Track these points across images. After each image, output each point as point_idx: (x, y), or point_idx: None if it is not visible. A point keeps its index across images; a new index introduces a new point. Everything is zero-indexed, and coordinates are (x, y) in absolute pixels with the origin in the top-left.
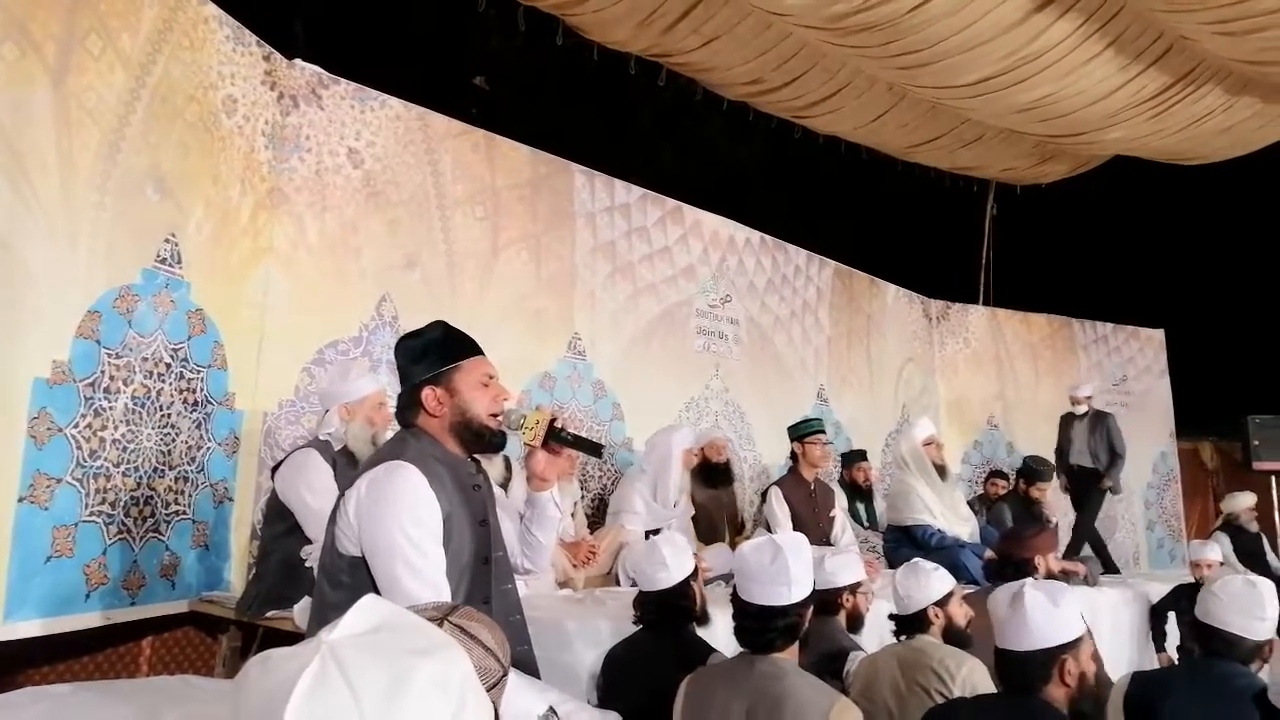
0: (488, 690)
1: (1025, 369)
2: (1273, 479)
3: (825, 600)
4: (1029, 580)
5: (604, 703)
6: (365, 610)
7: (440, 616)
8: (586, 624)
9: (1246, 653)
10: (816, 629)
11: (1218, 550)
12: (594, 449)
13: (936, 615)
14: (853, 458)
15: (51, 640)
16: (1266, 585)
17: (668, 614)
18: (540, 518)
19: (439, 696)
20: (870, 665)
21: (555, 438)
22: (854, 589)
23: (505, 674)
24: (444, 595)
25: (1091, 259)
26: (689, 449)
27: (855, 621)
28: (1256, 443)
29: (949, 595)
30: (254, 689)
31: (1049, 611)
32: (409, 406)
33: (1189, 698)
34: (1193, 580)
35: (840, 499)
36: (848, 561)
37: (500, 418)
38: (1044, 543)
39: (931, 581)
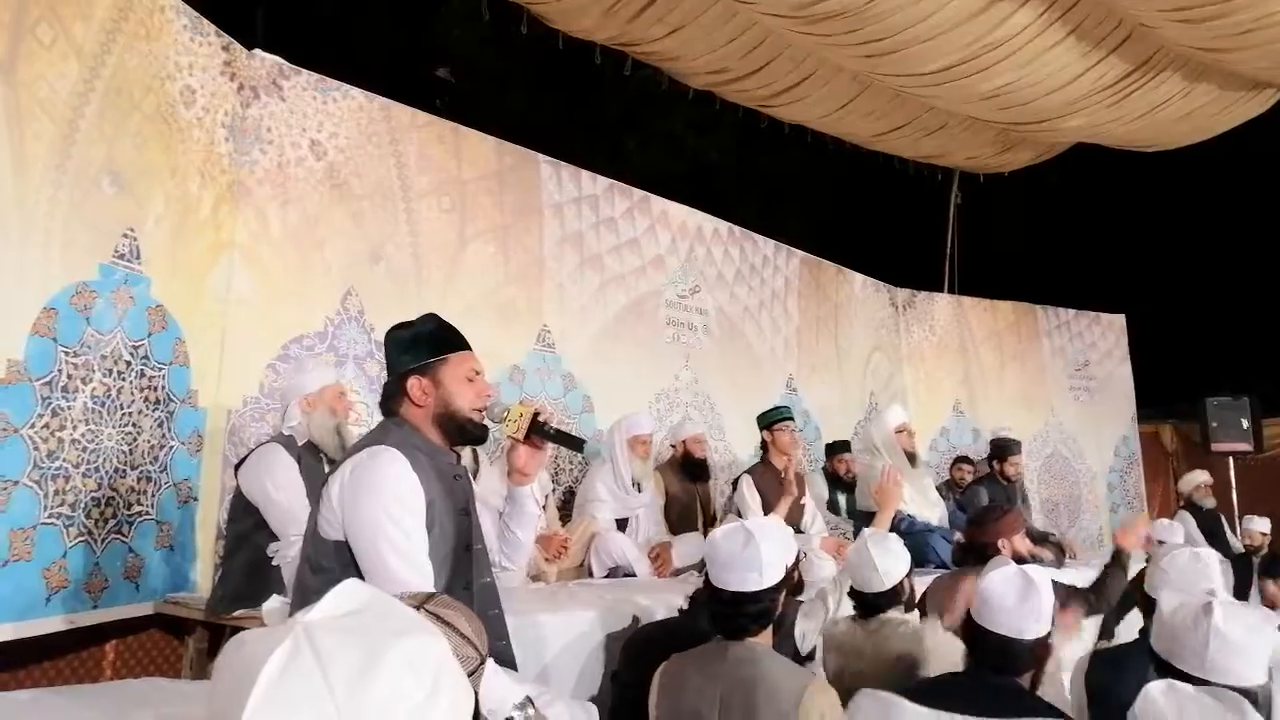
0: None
1: (990, 356)
2: (1230, 460)
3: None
4: (1027, 568)
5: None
6: (344, 593)
7: (416, 605)
8: (561, 617)
9: None
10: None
11: (1180, 531)
12: (576, 444)
13: (904, 586)
14: (836, 448)
15: (11, 646)
16: (1207, 554)
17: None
18: (520, 514)
19: (411, 678)
20: (838, 650)
21: (538, 431)
22: (798, 562)
23: (483, 662)
24: (428, 577)
25: (1054, 246)
26: (636, 435)
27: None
28: (1214, 424)
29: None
30: (227, 669)
31: (1048, 602)
32: (394, 395)
33: (1146, 674)
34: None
35: (818, 487)
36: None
37: (483, 412)
38: (1010, 525)
39: (902, 554)
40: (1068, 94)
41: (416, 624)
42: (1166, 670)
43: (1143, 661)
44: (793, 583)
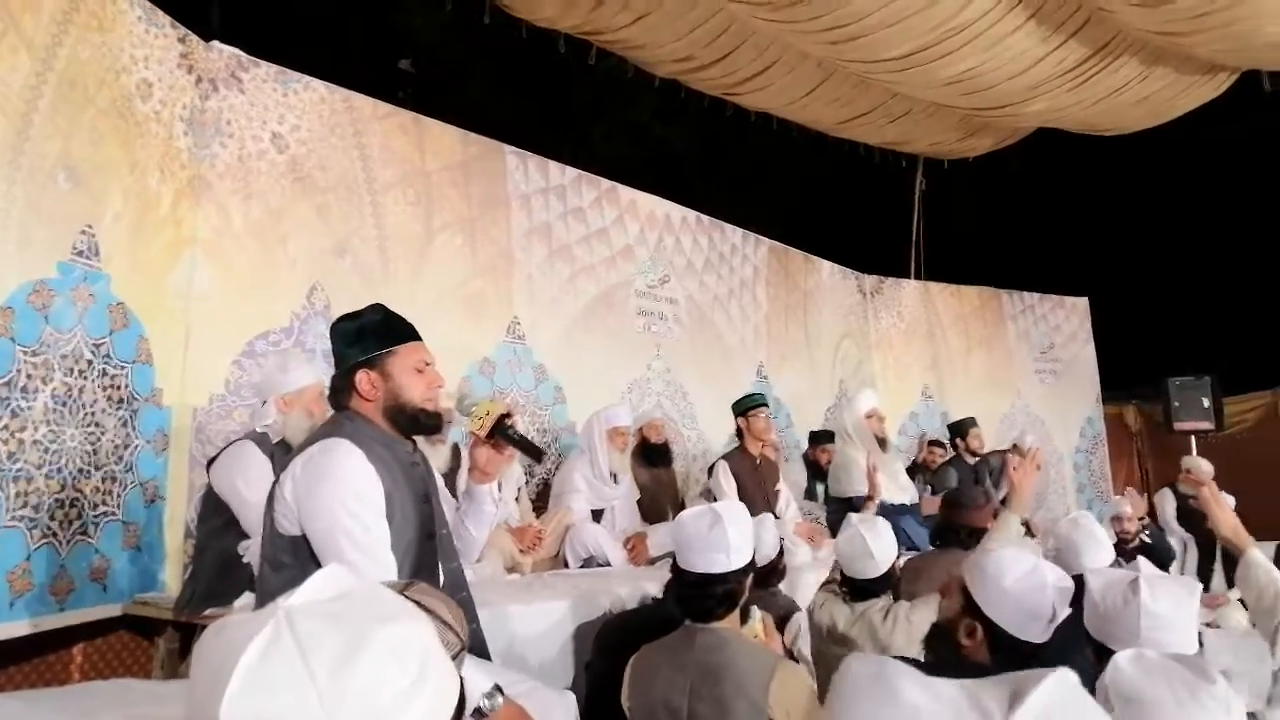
0: None
1: (957, 340)
2: (1192, 439)
3: (772, 569)
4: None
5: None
6: (327, 578)
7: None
8: (536, 607)
9: None
10: (771, 600)
11: (1128, 504)
12: (535, 453)
13: (895, 569)
14: (819, 438)
15: None
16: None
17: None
18: (476, 511)
19: (395, 665)
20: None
21: (501, 433)
22: (780, 553)
23: (464, 648)
24: (390, 570)
25: (1018, 231)
26: (615, 427)
27: (780, 578)
28: (1176, 404)
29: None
30: (206, 655)
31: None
32: (343, 390)
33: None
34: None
35: (798, 475)
36: (770, 526)
37: (435, 402)
38: (984, 514)
39: (890, 535)
40: (1029, 78)
41: (401, 610)
42: (1104, 653)
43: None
44: (777, 570)
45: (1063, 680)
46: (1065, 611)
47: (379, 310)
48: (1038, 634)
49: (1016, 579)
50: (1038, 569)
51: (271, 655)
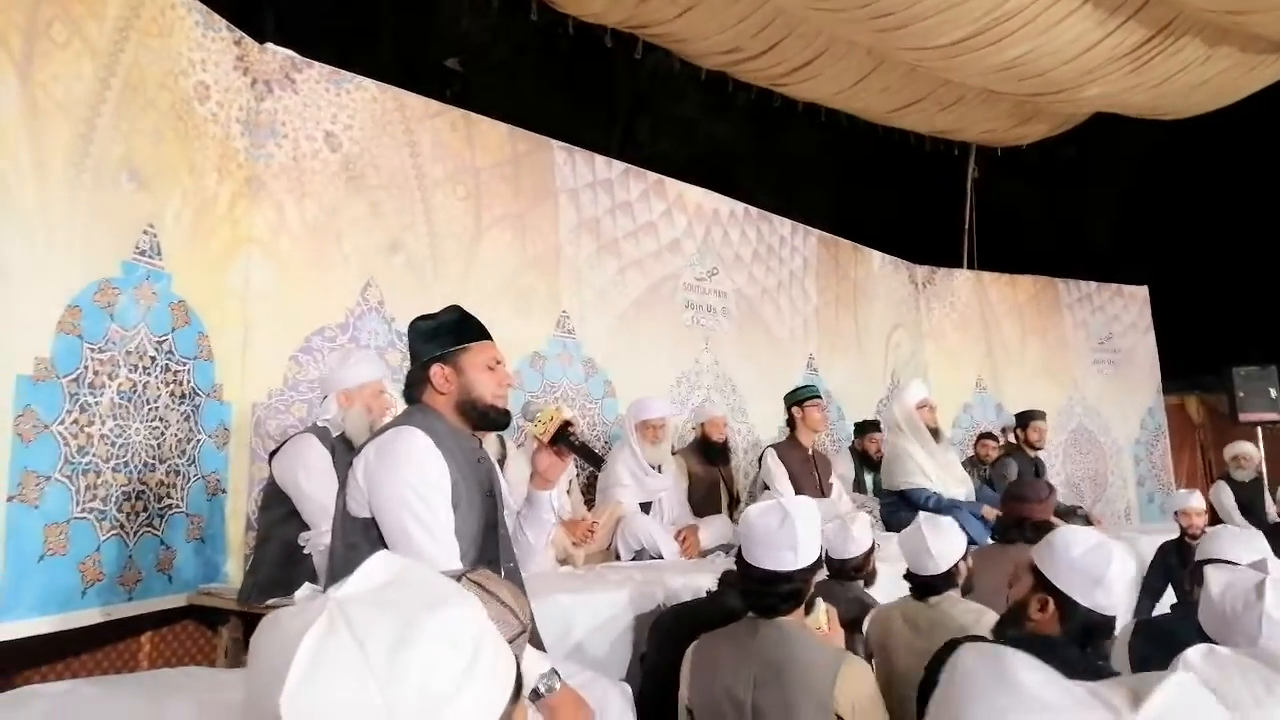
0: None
1: (1011, 330)
2: (1259, 430)
3: (853, 566)
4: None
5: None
6: (376, 566)
7: (457, 576)
8: (590, 599)
9: None
10: (840, 591)
11: (1199, 498)
12: (596, 461)
13: (960, 569)
14: (865, 427)
15: (49, 639)
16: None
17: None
18: (535, 518)
19: (448, 649)
20: (881, 626)
21: (563, 440)
22: (871, 550)
23: (524, 630)
24: (452, 552)
25: (1073, 218)
26: (644, 420)
27: (869, 580)
28: (1242, 394)
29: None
30: (263, 648)
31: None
32: (417, 383)
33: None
34: (1179, 531)
35: (843, 467)
36: (864, 527)
37: (505, 399)
38: (1047, 507)
39: (957, 536)
40: (1085, 62)
41: (451, 593)
42: None
43: (1186, 630)
44: (866, 571)
45: (1185, 680)
46: (1128, 584)
47: (455, 310)
48: (1105, 604)
49: (1085, 550)
50: (1105, 543)
51: (328, 646)
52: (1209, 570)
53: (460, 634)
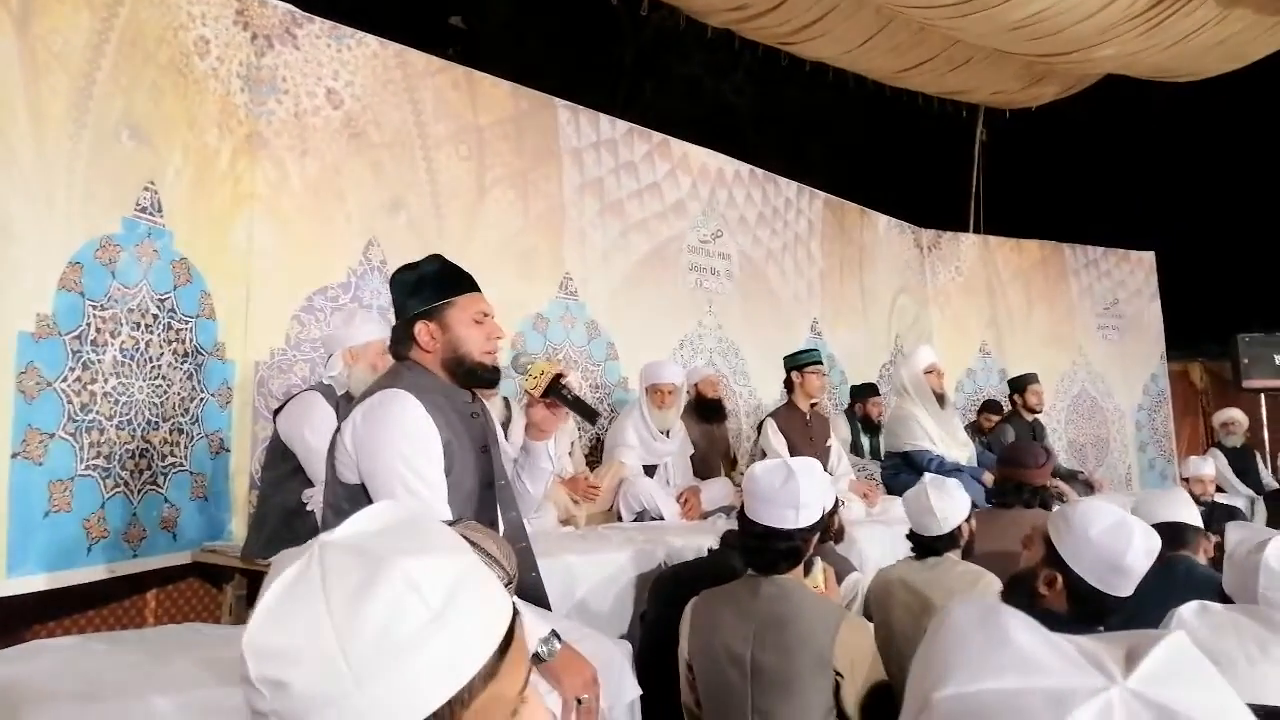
0: None
1: (1017, 296)
2: (1262, 396)
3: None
4: None
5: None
6: (376, 512)
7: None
8: (591, 558)
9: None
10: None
11: (1211, 465)
12: (590, 415)
13: (962, 531)
14: (864, 391)
15: (55, 595)
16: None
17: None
18: (533, 468)
19: (412, 596)
20: (881, 586)
21: (555, 393)
22: (835, 509)
23: (510, 582)
24: (446, 519)
25: (1082, 182)
26: (654, 384)
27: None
28: (1246, 361)
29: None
30: (261, 591)
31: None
32: (402, 340)
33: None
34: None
35: (842, 429)
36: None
37: (494, 354)
38: (1044, 472)
39: (961, 498)
40: (1099, 21)
41: (436, 542)
42: None
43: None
44: (833, 529)
45: (1180, 641)
46: (1147, 567)
47: (437, 260)
48: (1118, 587)
49: (1102, 530)
50: (1125, 523)
51: (296, 589)
52: (1229, 527)
53: (431, 583)
